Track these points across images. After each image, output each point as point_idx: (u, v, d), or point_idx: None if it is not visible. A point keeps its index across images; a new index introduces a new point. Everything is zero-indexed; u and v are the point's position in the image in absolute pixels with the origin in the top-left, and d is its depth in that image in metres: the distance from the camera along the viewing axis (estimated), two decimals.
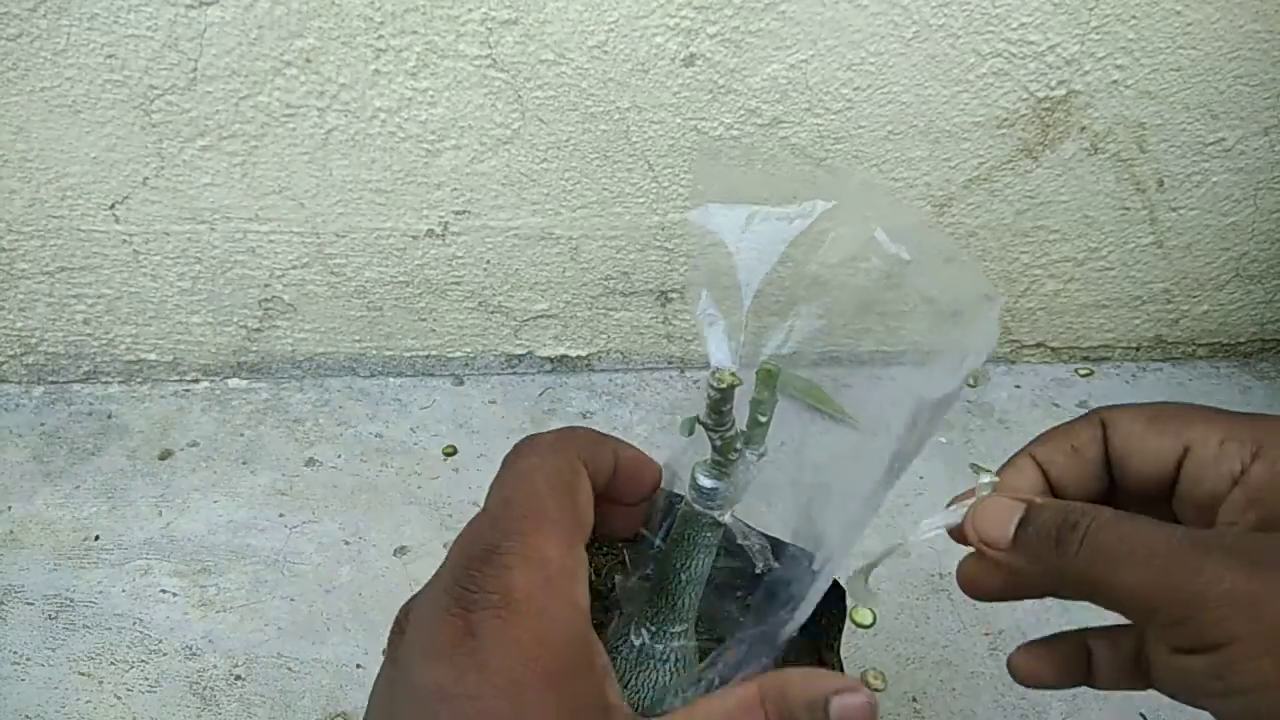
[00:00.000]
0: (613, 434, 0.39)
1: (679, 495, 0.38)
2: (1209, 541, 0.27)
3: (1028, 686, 0.34)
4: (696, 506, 0.35)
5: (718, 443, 0.35)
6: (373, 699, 0.27)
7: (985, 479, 0.32)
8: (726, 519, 0.36)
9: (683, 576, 0.37)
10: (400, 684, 0.26)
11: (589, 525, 0.29)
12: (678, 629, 0.39)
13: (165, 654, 0.60)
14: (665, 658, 0.40)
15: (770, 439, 0.35)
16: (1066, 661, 0.33)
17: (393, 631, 0.28)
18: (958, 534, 0.32)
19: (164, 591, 0.64)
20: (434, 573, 0.28)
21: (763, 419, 0.34)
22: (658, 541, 0.38)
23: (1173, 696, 0.28)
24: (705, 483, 0.35)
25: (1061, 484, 0.32)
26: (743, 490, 0.35)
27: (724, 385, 0.33)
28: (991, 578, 0.32)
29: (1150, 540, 0.27)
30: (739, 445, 0.35)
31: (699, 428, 0.34)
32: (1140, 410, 0.31)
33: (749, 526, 0.37)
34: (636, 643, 0.40)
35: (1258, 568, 0.26)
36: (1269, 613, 0.25)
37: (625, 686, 0.40)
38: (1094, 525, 0.28)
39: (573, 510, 0.29)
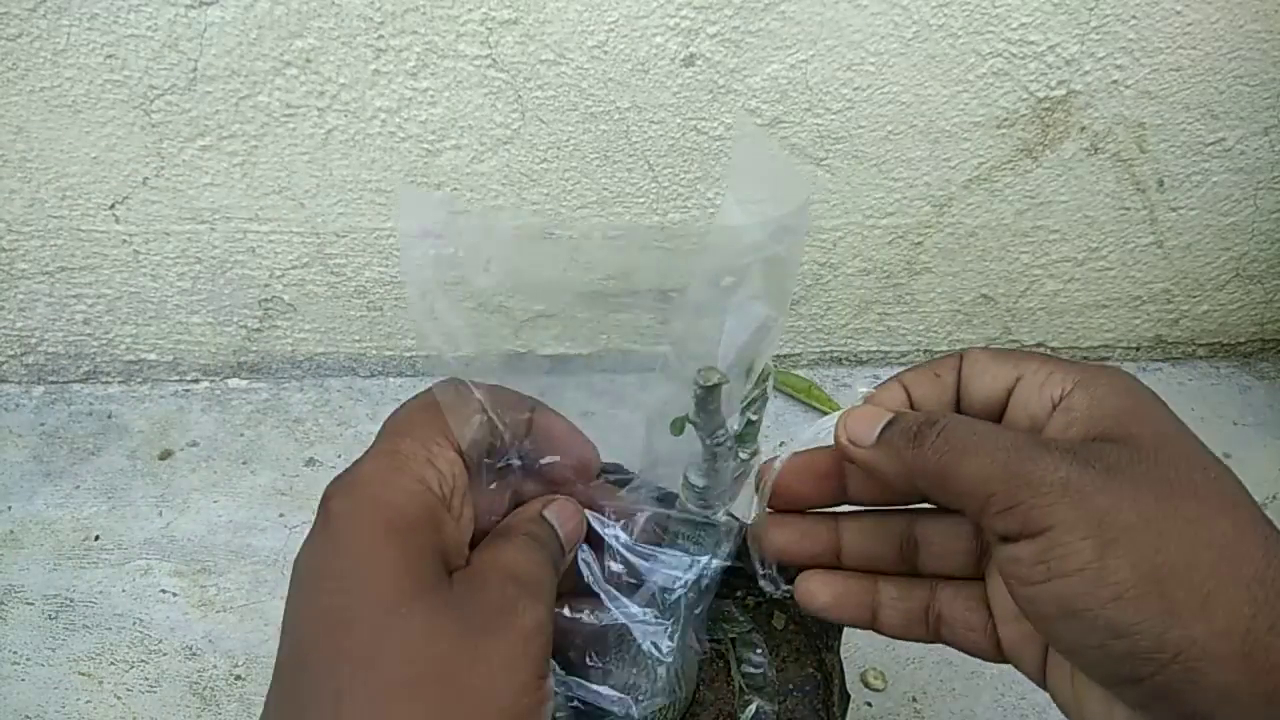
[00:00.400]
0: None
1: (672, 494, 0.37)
2: (1048, 441, 0.30)
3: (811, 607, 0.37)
4: (689, 505, 0.35)
5: (708, 442, 0.35)
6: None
7: (861, 394, 0.36)
8: (720, 518, 0.36)
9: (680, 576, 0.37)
10: (291, 579, 0.31)
11: (471, 434, 0.33)
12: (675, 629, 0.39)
13: (165, 654, 0.60)
14: (663, 659, 0.40)
15: (768, 438, 0.35)
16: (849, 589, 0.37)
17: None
18: (835, 439, 0.35)
19: (164, 591, 0.64)
20: None
21: (754, 418, 0.34)
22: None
23: (1015, 600, 0.30)
24: (697, 481, 0.35)
25: (921, 404, 0.35)
26: (735, 489, 0.35)
27: (710, 384, 0.33)
28: (823, 492, 0.36)
29: (997, 435, 0.30)
30: (730, 444, 0.35)
31: (689, 427, 0.34)
32: (994, 349, 0.35)
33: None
34: (638, 651, 0.40)
35: (1087, 465, 0.28)
36: (1092, 503, 0.28)
37: (624, 689, 0.40)
38: (950, 423, 0.31)
39: (440, 421, 0.33)
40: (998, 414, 0.33)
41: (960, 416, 0.32)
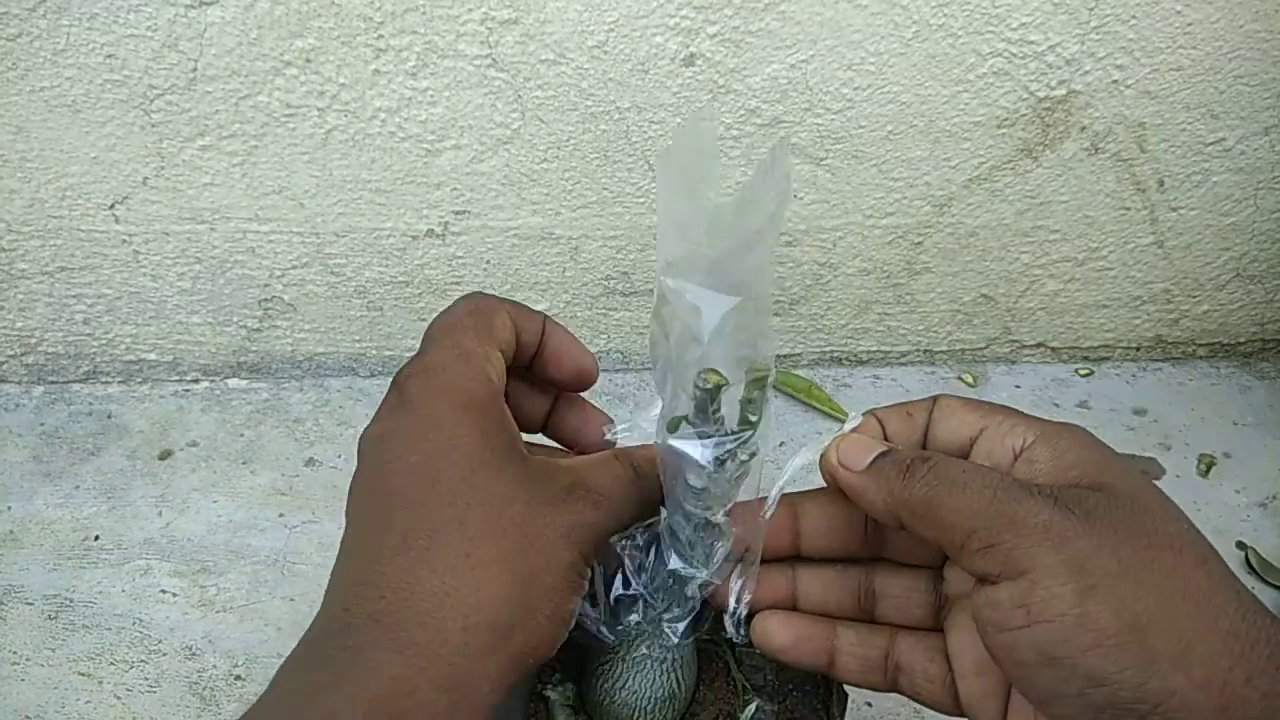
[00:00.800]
0: None
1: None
2: (1031, 485, 0.30)
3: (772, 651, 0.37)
4: (688, 506, 0.35)
5: (707, 443, 0.35)
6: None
7: (849, 422, 0.36)
8: (719, 519, 0.36)
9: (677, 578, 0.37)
10: (358, 459, 0.34)
11: (506, 338, 0.36)
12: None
13: (165, 654, 0.60)
14: (663, 658, 0.40)
15: (768, 439, 0.35)
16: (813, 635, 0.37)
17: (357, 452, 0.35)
18: (821, 463, 0.35)
19: (164, 591, 0.64)
20: None
21: (753, 419, 0.34)
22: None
23: (988, 646, 0.30)
24: (695, 483, 0.35)
25: (894, 439, 0.36)
26: (734, 490, 0.35)
27: (710, 385, 0.33)
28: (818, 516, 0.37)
29: (985, 475, 0.31)
30: (730, 445, 0.35)
31: (686, 427, 0.34)
32: (965, 398, 0.36)
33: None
34: (637, 652, 0.40)
35: (1068, 510, 0.29)
36: (1073, 547, 0.28)
37: (623, 689, 0.40)
38: (940, 460, 0.32)
39: (488, 322, 0.36)
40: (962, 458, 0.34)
41: (952, 458, 0.32)
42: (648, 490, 0.36)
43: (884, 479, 0.32)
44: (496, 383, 0.34)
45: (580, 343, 0.39)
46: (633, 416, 0.38)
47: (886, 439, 0.36)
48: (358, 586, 0.31)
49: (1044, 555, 0.28)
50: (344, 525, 0.33)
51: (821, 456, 0.35)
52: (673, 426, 0.34)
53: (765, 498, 0.36)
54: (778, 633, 0.36)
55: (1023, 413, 0.34)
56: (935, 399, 0.36)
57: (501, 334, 0.36)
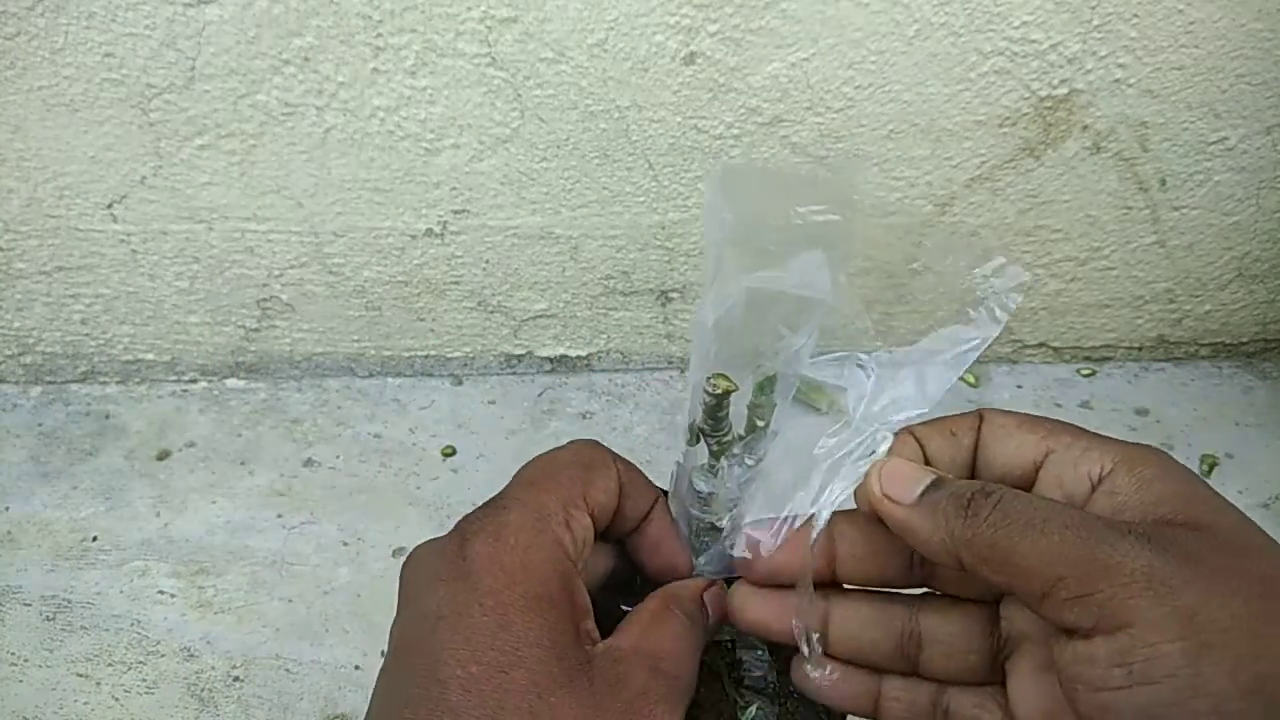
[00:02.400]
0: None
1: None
2: (1120, 523, 0.26)
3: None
4: (694, 510, 0.35)
5: (714, 447, 0.35)
6: (391, 638, 0.30)
7: (882, 442, 0.32)
8: (724, 523, 0.35)
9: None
10: (406, 612, 0.30)
11: (603, 503, 0.32)
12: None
13: (163, 655, 0.60)
14: None
15: (772, 441, 0.35)
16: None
17: (401, 578, 0.31)
18: (859, 493, 0.32)
19: (162, 592, 0.64)
20: None
21: (760, 423, 0.34)
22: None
23: (1076, 706, 0.26)
24: (702, 487, 0.35)
25: (935, 462, 0.32)
26: (740, 494, 0.35)
27: (719, 392, 0.32)
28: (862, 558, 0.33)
29: (1064, 512, 0.27)
30: (736, 450, 0.35)
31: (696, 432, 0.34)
32: (1017, 413, 0.32)
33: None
34: None
35: (1168, 554, 0.25)
36: (1180, 599, 0.24)
37: None
38: (1006, 494, 0.28)
39: (582, 483, 0.32)
40: (1024, 486, 0.31)
41: (1019, 491, 0.29)
42: (700, 635, 0.33)
43: (940, 516, 0.29)
44: (573, 557, 0.30)
45: (680, 538, 0.35)
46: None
47: (927, 462, 0.32)
48: None
49: (1147, 607, 0.24)
50: (381, 660, 0.30)
51: (861, 486, 0.31)
52: (693, 436, 0.34)
53: (811, 521, 0.32)
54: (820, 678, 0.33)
55: (1090, 431, 0.30)
56: (980, 414, 0.32)
57: (599, 498, 0.32)
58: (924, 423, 0.32)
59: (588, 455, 0.33)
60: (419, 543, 0.32)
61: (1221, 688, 0.24)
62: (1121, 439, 0.30)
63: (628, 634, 0.31)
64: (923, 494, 0.29)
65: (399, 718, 0.27)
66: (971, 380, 0.81)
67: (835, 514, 0.33)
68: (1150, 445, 0.29)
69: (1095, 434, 0.30)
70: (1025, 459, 0.30)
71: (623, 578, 0.36)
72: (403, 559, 0.32)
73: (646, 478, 0.34)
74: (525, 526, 0.30)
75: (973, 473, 0.32)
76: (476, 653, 0.28)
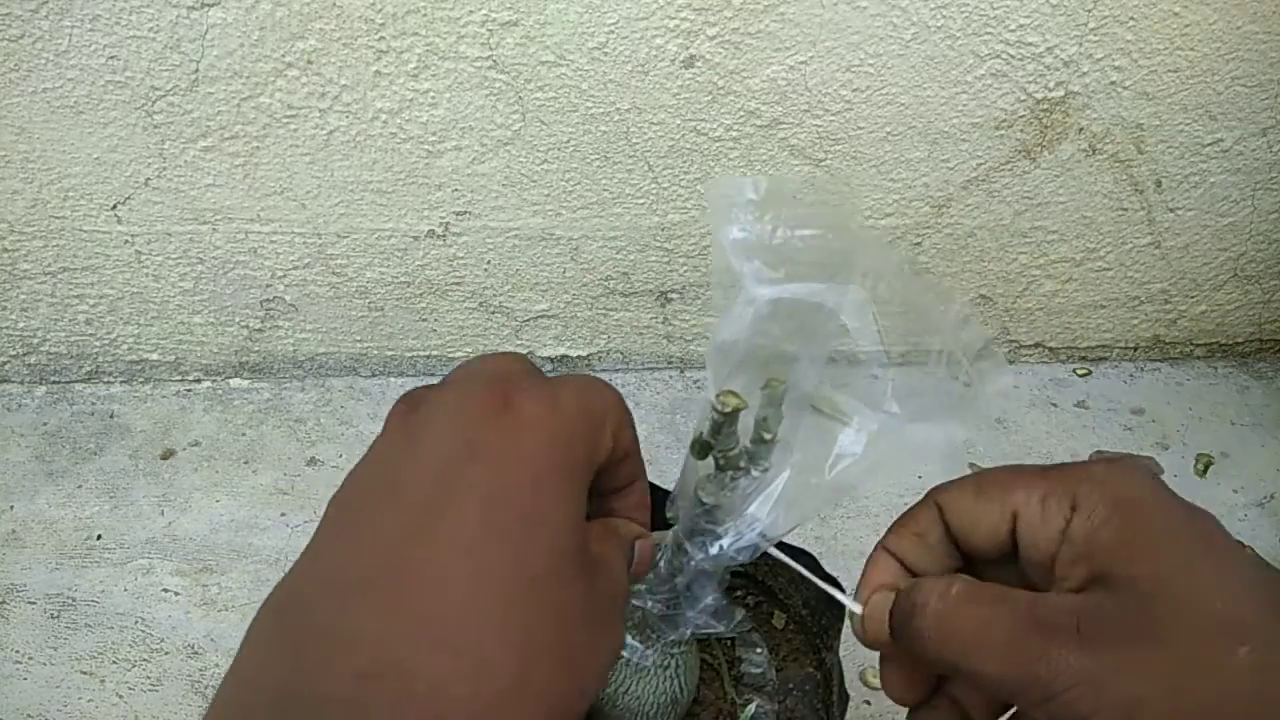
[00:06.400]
0: None
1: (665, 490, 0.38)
2: (1048, 620, 0.27)
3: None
4: (700, 522, 0.35)
5: (721, 460, 0.35)
6: (363, 471, 0.27)
7: (850, 604, 0.32)
8: (729, 536, 0.35)
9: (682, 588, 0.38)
10: (419, 441, 0.26)
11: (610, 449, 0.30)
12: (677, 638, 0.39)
13: (167, 653, 0.61)
14: (666, 664, 0.40)
15: (784, 452, 0.35)
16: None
17: (396, 410, 0.28)
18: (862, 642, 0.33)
19: (166, 591, 0.64)
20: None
21: (767, 436, 0.34)
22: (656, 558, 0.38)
23: None
24: (707, 498, 0.35)
25: (919, 570, 0.33)
26: (745, 507, 0.35)
27: (728, 410, 0.32)
28: (898, 679, 0.33)
29: (996, 622, 0.28)
30: (743, 463, 0.35)
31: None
32: (967, 484, 0.32)
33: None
34: (640, 658, 0.40)
35: (1090, 644, 0.26)
36: (1109, 691, 0.26)
37: (626, 694, 0.40)
38: (939, 607, 0.29)
39: (619, 412, 0.30)
40: (1011, 552, 0.31)
41: (952, 586, 0.29)
42: (639, 572, 0.32)
43: (908, 646, 0.30)
44: (595, 462, 0.29)
45: (648, 499, 0.35)
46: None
47: (910, 570, 0.32)
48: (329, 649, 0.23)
49: (1085, 706, 0.26)
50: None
51: (856, 633, 0.33)
52: (699, 452, 0.34)
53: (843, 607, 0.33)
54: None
55: (1040, 472, 0.31)
56: (933, 501, 0.32)
57: (621, 437, 0.30)
58: (892, 532, 0.33)
59: (619, 402, 0.31)
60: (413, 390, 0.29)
61: None
62: (1075, 464, 0.31)
63: (599, 546, 0.30)
64: (890, 626, 0.31)
65: (388, 551, 0.24)
66: (966, 380, 0.81)
67: (884, 667, 0.33)
68: (1104, 466, 0.30)
69: (1047, 474, 0.30)
70: (1000, 533, 0.31)
71: None
72: None
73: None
74: (575, 411, 0.28)
75: (961, 559, 0.32)
76: (511, 502, 0.25)
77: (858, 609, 0.32)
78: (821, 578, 0.34)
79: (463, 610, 0.24)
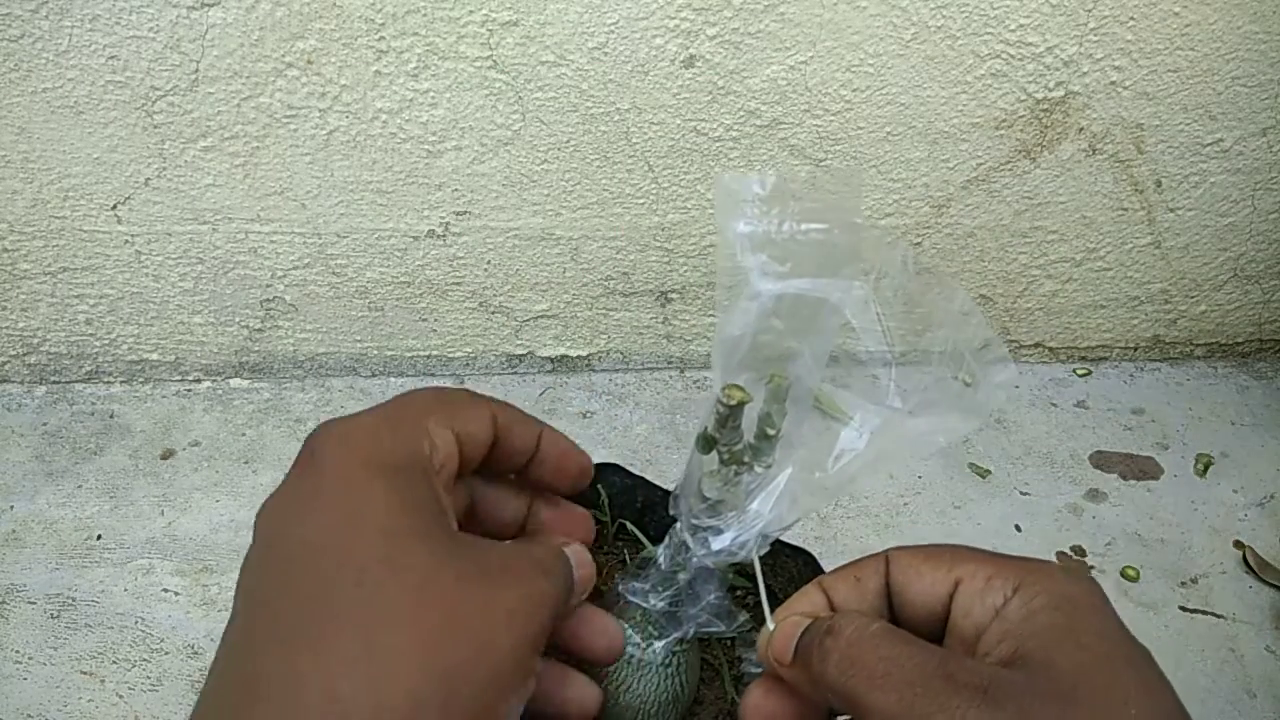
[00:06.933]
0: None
1: (666, 490, 0.38)
2: (960, 674, 0.27)
3: None
4: (703, 518, 0.35)
5: (725, 455, 0.35)
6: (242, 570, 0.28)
7: (769, 623, 0.33)
8: (731, 531, 0.35)
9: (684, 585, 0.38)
10: (258, 536, 0.28)
11: (471, 431, 0.31)
12: (678, 635, 0.39)
13: (167, 653, 0.61)
14: (667, 662, 0.40)
15: (784, 448, 0.35)
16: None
17: (255, 528, 0.30)
18: (761, 658, 0.33)
19: (166, 591, 0.64)
20: None
21: (771, 432, 0.34)
22: (657, 555, 0.38)
23: None
24: (711, 493, 0.35)
25: (842, 610, 0.33)
26: (748, 502, 0.35)
27: (733, 403, 0.32)
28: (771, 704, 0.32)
29: (909, 664, 0.28)
30: (746, 458, 0.35)
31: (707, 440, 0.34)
32: (921, 549, 0.32)
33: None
34: (641, 656, 0.40)
35: (996, 708, 0.26)
36: None
37: (627, 692, 0.40)
38: (855, 635, 0.29)
39: (444, 405, 0.31)
40: (940, 621, 0.31)
41: (872, 624, 0.30)
42: (565, 588, 0.32)
43: (804, 662, 0.30)
44: (429, 456, 0.30)
45: (575, 444, 0.35)
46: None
47: (833, 609, 0.32)
48: (236, 682, 0.25)
49: None
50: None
51: (759, 653, 0.33)
52: (704, 446, 0.34)
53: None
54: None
55: (995, 555, 0.31)
56: (887, 555, 0.32)
57: (468, 426, 0.31)
58: (832, 572, 0.33)
59: (454, 392, 0.32)
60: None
61: None
62: (1029, 558, 0.31)
63: (489, 543, 0.31)
64: (795, 650, 0.30)
65: (232, 622, 0.27)
66: (966, 379, 0.81)
67: (754, 684, 0.33)
68: (1061, 566, 0.30)
69: (1001, 558, 0.31)
70: (938, 594, 0.31)
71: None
72: None
73: (526, 414, 0.34)
74: (376, 424, 0.29)
75: (890, 615, 0.32)
76: (312, 513, 0.27)
77: (771, 625, 0.32)
78: (767, 588, 0.34)
79: (317, 608, 0.26)
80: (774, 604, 0.34)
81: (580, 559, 0.33)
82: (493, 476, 0.35)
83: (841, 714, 0.32)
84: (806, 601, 0.33)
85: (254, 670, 0.25)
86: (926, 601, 0.31)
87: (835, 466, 0.33)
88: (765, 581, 0.35)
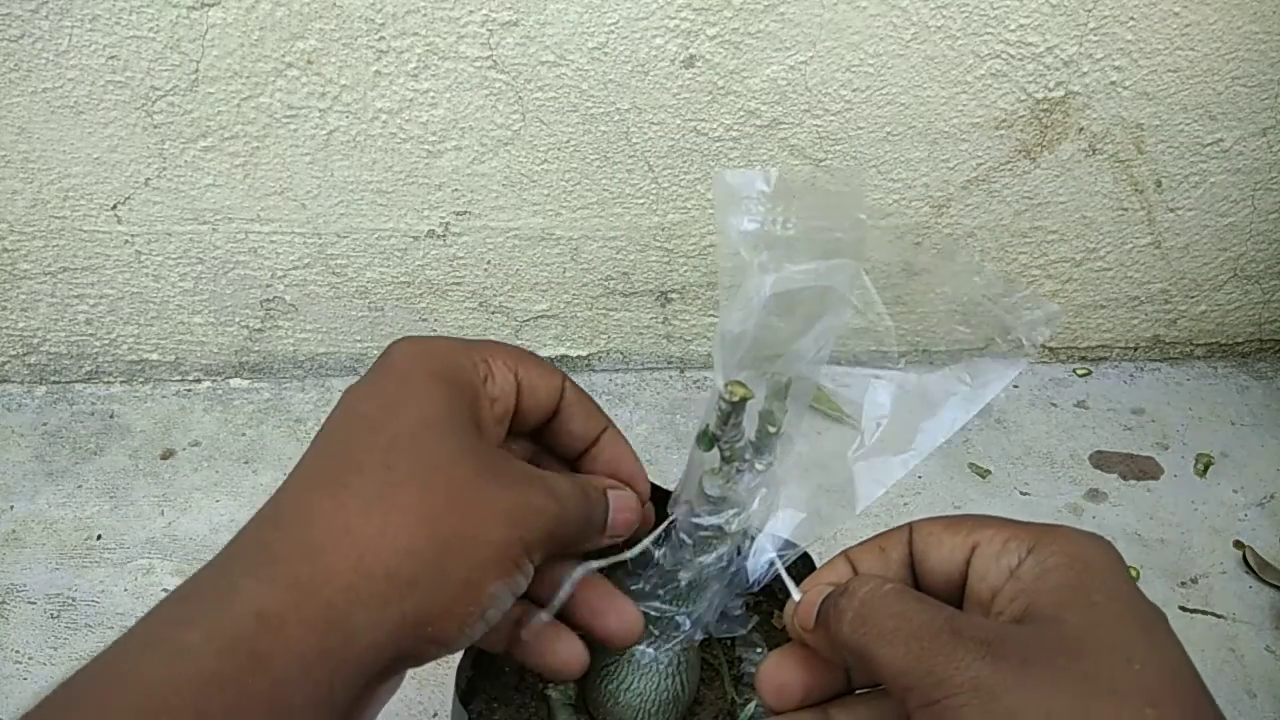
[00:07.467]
0: None
1: (668, 491, 0.38)
2: (967, 629, 0.28)
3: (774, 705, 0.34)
4: (704, 515, 0.35)
5: (726, 452, 0.35)
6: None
7: (795, 594, 0.34)
8: (733, 527, 0.35)
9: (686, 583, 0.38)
10: (339, 402, 0.33)
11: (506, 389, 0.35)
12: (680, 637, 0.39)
13: None
14: (668, 662, 0.40)
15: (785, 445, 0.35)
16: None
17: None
18: (788, 628, 0.34)
19: (166, 591, 0.64)
20: None
21: (772, 429, 0.34)
22: (656, 555, 0.38)
23: None
24: (712, 491, 0.35)
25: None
26: (750, 499, 0.35)
27: (735, 399, 0.33)
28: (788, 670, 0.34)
29: (917, 620, 0.29)
30: (748, 455, 0.35)
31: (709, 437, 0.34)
32: (943, 518, 0.33)
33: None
34: (643, 656, 0.40)
35: (1000, 660, 0.27)
36: (1000, 704, 0.26)
37: (627, 691, 0.40)
38: (868, 594, 0.30)
39: (499, 350, 0.34)
40: (959, 587, 0.32)
41: (886, 585, 0.31)
42: (597, 515, 0.35)
43: (824, 625, 0.31)
44: (483, 381, 0.33)
45: (635, 455, 0.37)
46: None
47: None
48: (261, 517, 0.29)
49: (972, 714, 0.26)
50: None
51: (786, 621, 0.34)
52: (706, 443, 0.34)
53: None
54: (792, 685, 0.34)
55: (1014, 521, 0.32)
56: (911, 526, 0.33)
57: (530, 378, 0.35)
58: (858, 545, 0.34)
59: (535, 355, 0.35)
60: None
61: None
62: (1048, 523, 0.31)
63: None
64: (818, 614, 0.32)
65: (304, 456, 0.31)
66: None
67: (770, 654, 0.34)
68: (1075, 531, 0.31)
69: (1018, 523, 0.31)
70: (957, 560, 0.32)
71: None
72: None
73: (598, 407, 0.37)
74: (449, 347, 0.33)
75: (916, 585, 0.33)
76: (371, 396, 0.32)
77: (798, 596, 0.33)
78: (795, 577, 0.35)
79: (354, 470, 0.30)
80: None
81: (622, 503, 0.36)
82: (557, 459, 0.38)
83: (858, 679, 0.34)
84: (832, 572, 0.34)
85: (280, 504, 0.30)
86: (945, 568, 0.32)
87: (873, 437, 0.35)
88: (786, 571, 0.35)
